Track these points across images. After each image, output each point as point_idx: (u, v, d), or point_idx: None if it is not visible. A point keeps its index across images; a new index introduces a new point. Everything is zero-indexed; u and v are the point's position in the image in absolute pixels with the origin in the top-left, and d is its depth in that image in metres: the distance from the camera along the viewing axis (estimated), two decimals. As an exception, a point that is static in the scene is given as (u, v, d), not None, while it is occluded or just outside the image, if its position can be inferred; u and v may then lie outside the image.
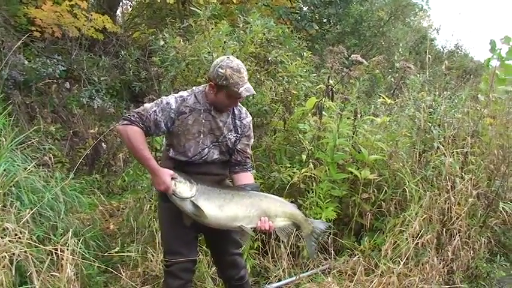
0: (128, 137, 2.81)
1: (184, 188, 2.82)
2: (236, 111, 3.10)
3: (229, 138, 3.05)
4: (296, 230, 3.66)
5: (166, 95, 3.07)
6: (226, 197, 2.95)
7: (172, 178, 2.82)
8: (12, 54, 5.86)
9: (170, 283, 3.02)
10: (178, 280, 2.99)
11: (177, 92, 3.08)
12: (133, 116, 2.84)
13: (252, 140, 3.25)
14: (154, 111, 2.86)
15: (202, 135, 2.97)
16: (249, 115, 3.20)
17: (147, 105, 2.91)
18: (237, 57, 3.23)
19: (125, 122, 2.83)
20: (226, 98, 2.90)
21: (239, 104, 3.14)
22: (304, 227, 3.19)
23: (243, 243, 3.42)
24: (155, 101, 2.95)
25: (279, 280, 4.13)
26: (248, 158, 3.19)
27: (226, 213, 2.89)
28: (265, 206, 3.01)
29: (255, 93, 2.99)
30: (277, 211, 3.05)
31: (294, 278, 4.14)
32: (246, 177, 3.14)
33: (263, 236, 4.27)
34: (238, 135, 3.09)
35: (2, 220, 3.36)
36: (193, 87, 3.08)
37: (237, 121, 3.09)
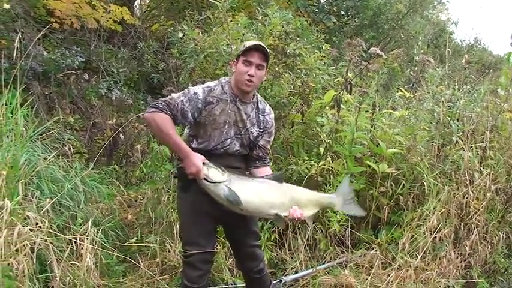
0: (156, 123, 2.80)
1: (216, 173, 2.79)
2: (260, 106, 3.11)
3: (251, 132, 3.06)
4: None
5: (184, 87, 3.08)
6: (262, 185, 2.97)
7: (203, 163, 2.81)
8: (32, 46, 5.89)
9: (189, 273, 3.02)
10: (197, 271, 3.00)
11: (203, 83, 3.09)
12: (161, 103, 2.82)
13: (273, 137, 3.27)
14: (182, 101, 2.86)
15: (227, 126, 2.98)
16: (272, 112, 3.21)
17: (174, 95, 2.91)
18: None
19: (153, 109, 2.81)
20: (244, 65, 2.91)
21: (263, 100, 3.17)
22: (334, 205, 3.27)
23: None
24: (183, 91, 2.95)
25: (296, 272, 4.13)
26: (268, 153, 3.23)
27: (264, 199, 2.90)
28: (298, 197, 3.04)
29: (261, 44, 2.99)
30: (308, 201, 3.09)
31: (310, 271, 4.14)
32: (266, 172, 3.16)
33: (280, 228, 4.29)
34: (261, 131, 3.10)
35: (24, 209, 3.39)
36: (220, 78, 3.09)
37: (260, 116, 3.10)
